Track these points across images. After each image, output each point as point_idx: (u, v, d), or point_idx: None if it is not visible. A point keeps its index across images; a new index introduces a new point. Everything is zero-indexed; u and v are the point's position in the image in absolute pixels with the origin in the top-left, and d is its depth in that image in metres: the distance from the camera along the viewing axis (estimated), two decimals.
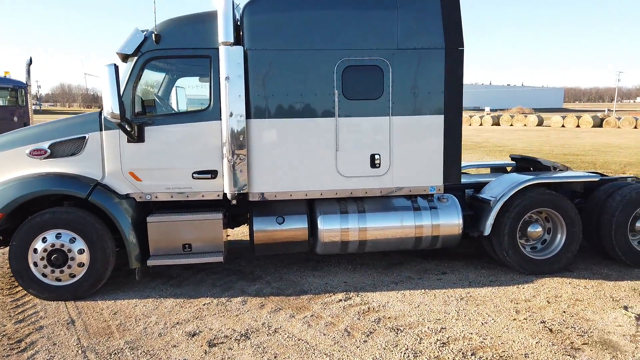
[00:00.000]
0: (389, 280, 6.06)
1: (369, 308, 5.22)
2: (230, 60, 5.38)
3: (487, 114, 61.22)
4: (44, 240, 5.38)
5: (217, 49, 5.45)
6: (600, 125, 46.44)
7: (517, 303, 5.29)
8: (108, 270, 5.57)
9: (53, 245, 5.37)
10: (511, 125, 52.07)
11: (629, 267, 6.27)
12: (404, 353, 4.26)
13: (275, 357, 4.22)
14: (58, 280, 5.45)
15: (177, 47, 5.59)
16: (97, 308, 5.26)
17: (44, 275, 5.42)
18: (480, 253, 6.87)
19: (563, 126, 48.20)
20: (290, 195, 5.79)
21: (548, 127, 48.17)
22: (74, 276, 5.48)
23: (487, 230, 6.09)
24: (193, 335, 4.62)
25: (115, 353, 4.30)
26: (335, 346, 4.40)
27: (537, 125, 50.07)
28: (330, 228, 5.90)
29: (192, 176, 5.66)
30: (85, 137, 5.58)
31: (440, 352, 4.26)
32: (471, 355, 4.20)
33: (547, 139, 32.20)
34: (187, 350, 4.34)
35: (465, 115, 58.83)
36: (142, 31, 5.57)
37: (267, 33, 5.54)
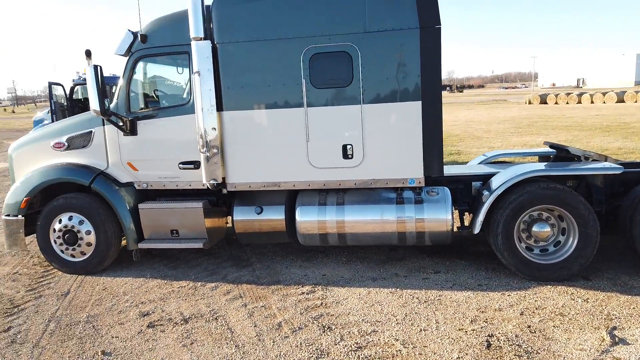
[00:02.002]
0: (370, 275, 5.77)
1: (322, 303, 5.07)
2: (200, 55, 5.57)
3: None
4: (60, 221, 6.24)
5: None
6: None
7: (483, 312, 4.66)
8: (111, 251, 6.25)
9: (66, 226, 6.22)
10: None
11: None
12: (312, 352, 4.10)
13: (191, 344, 4.40)
14: (73, 256, 6.29)
15: (161, 45, 5.96)
16: (95, 283, 5.97)
17: (62, 251, 6.30)
18: None
19: None
20: (264, 186, 5.84)
21: None
22: (84, 254, 6.27)
23: (477, 229, 5.42)
24: (144, 316, 5.01)
25: (72, 324, 4.88)
26: (253, 338, 4.42)
27: None
28: (307, 220, 5.82)
29: (179, 166, 6.04)
30: (92, 131, 6.29)
31: (347, 356, 4.00)
32: None
33: None
34: (126, 328, 4.74)
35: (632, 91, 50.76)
36: (133, 32, 6.05)
37: (233, 25, 5.60)
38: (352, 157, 5.56)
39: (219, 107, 5.70)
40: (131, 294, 5.60)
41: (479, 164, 7.22)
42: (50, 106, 15.56)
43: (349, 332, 4.42)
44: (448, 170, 6.45)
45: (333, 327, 4.54)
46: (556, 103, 48.39)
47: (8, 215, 6.36)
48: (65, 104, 16.00)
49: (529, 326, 4.33)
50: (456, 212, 6.03)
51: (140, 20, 5.92)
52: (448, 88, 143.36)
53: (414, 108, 5.36)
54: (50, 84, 15.46)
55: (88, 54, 6.29)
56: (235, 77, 5.65)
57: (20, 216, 6.32)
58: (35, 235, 6.40)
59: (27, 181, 6.33)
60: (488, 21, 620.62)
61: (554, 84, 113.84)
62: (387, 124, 5.46)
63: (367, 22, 5.32)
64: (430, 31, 5.21)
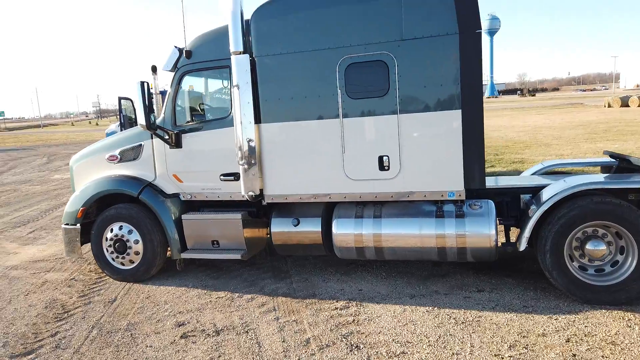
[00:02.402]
0: (408, 292, 5.56)
1: (354, 320, 4.94)
2: (239, 68, 5.63)
3: None
4: (111, 230, 6.55)
5: None
6: None
7: (524, 336, 4.32)
8: (157, 260, 6.45)
9: (117, 235, 6.51)
10: None
11: None
12: None
13: (219, 357, 4.42)
14: (122, 264, 6.57)
15: (204, 60, 6.11)
16: (141, 291, 6.19)
17: (113, 259, 6.60)
18: None
19: None
20: (300, 198, 5.80)
21: None
22: (133, 262, 6.53)
23: (522, 245, 5.07)
24: (180, 325, 5.11)
25: (112, 331, 5.08)
26: (279, 354, 4.37)
27: None
28: (344, 232, 5.72)
29: (220, 178, 6.14)
30: (141, 144, 6.56)
31: None
32: None
33: None
34: (161, 338, 4.86)
35: None
36: (179, 48, 6.25)
37: (270, 38, 5.64)
38: (388, 169, 5.40)
39: (257, 120, 5.75)
40: (171, 303, 5.74)
41: (533, 174, 6.78)
42: (120, 120, 16.54)
43: (377, 352, 4.26)
44: (496, 182, 6.14)
45: (361, 346, 4.39)
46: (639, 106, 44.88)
47: (67, 224, 6.76)
48: (134, 117, 16.95)
49: (574, 355, 3.96)
50: (503, 227, 5.70)
51: (185, 37, 6.12)
52: (519, 92, 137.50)
53: (454, 117, 5.12)
54: (120, 99, 16.44)
55: (153, 69, 6.52)
56: (273, 89, 5.68)
57: (77, 225, 6.69)
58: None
59: (83, 192, 6.70)
60: (563, 21, 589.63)
61: (638, 85, 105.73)
62: (425, 134, 5.25)
63: (403, 30, 5.17)
64: (470, 36, 4.97)
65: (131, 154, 6.65)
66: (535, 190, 5.47)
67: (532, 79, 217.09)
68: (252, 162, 5.76)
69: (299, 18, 5.56)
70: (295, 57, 5.56)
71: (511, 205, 5.63)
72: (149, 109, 5.95)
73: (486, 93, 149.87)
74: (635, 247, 4.72)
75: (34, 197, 14.25)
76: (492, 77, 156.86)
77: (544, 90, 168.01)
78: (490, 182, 6.08)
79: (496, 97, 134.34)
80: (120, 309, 5.67)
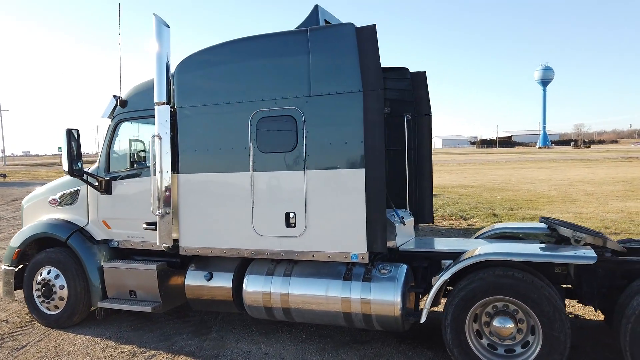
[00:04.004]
0: (315, 359, 5.16)
1: None
2: (160, 119, 5.63)
3: None
4: (41, 274, 6.53)
5: None
6: None
7: None
8: (80, 307, 6.33)
9: (44, 279, 6.48)
10: None
11: None
12: None
13: None
14: (48, 309, 6.50)
15: (137, 110, 6.21)
16: (55, 339, 6.06)
17: (40, 304, 6.55)
18: None
19: None
20: (211, 252, 5.61)
21: None
22: (58, 308, 6.44)
23: (423, 317, 4.63)
24: None
25: None
26: None
27: None
28: (252, 290, 5.45)
29: (143, 227, 6.06)
30: (78, 189, 6.62)
31: None
32: None
33: None
34: None
35: None
36: (116, 98, 6.38)
37: (191, 90, 5.64)
38: (294, 226, 5.15)
39: (175, 170, 5.69)
40: (73, 354, 5.56)
41: (479, 236, 6.32)
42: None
43: None
44: (423, 244, 5.78)
45: None
46: None
47: (8, 265, 6.82)
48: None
49: None
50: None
51: (120, 86, 6.26)
52: (573, 143, 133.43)
53: (357, 176, 4.86)
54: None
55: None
56: (191, 140, 5.63)
57: (14, 267, 6.72)
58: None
59: (20, 234, 6.78)
60: (629, 73, 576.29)
61: None
62: (330, 192, 5.00)
63: (311, 86, 5.05)
64: (373, 94, 4.77)
65: (69, 199, 6.71)
66: (457, 256, 5.06)
67: (590, 130, 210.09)
68: (167, 212, 5.66)
69: (215, 71, 5.56)
70: (211, 109, 5.52)
71: (431, 271, 5.22)
72: (76, 155, 6.02)
73: (538, 143, 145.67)
74: (540, 329, 4.20)
75: None
76: (544, 127, 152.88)
77: (601, 142, 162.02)
78: (417, 244, 5.72)
79: (548, 147, 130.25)
80: (21, 357, 5.54)
